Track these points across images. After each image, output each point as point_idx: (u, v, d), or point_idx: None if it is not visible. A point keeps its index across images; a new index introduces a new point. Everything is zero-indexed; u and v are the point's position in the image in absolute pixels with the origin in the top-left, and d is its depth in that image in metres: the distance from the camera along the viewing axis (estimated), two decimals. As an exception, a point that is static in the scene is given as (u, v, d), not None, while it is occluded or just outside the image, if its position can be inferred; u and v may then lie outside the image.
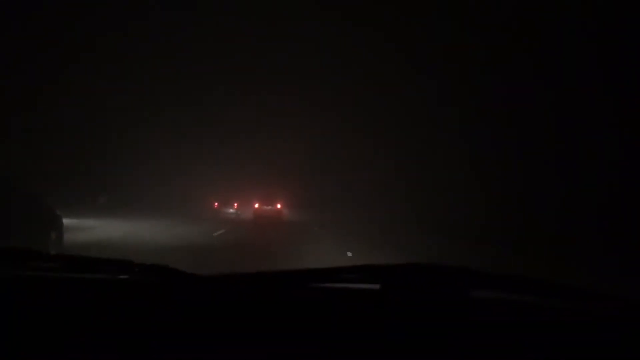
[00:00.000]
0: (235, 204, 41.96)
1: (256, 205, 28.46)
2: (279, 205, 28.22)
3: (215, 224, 21.68)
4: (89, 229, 15.04)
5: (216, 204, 40.09)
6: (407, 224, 18.40)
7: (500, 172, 15.42)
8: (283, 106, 40.67)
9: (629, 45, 11.22)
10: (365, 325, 1.08)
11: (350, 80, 27.81)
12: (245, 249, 11.68)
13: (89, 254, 1.53)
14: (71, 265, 1.41)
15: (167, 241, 12.49)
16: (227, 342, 0.95)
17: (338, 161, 29.84)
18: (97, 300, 1.20)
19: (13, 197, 7.58)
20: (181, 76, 36.65)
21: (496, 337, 1.04)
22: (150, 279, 1.36)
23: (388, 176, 22.95)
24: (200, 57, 35.44)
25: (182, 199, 36.00)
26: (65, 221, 9.46)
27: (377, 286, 1.28)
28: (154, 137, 36.92)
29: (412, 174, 20.91)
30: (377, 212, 20.99)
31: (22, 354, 0.89)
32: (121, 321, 1.04)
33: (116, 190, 27.04)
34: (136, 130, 34.25)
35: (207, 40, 32.81)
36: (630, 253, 8.90)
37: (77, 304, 1.15)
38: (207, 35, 32.16)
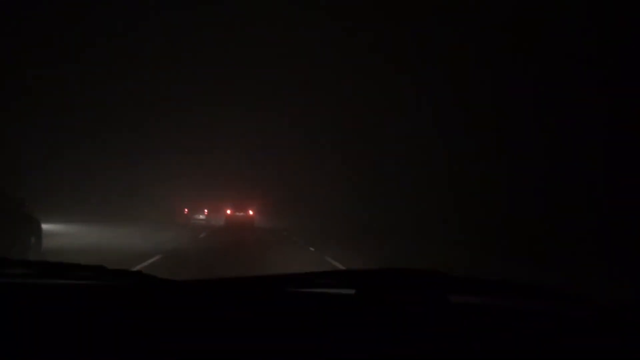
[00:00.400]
0: (206, 211, 41.76)
1: (228, 212, 29.11)
2: (250, 212, 28.96)
3: (165, 237, 16.71)
4: None
5: (186, 210, 40.11)
6: (395, 230, 18.34)
7: (494, 174, 15.65)
8: (261, 112, 40.85)
9: (628, 46, 11.38)
10: (339, 330, 1.08)
11: (328, 86, 28.43)
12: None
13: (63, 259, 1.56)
14: (44, 271, 1.41)
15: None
16: (202, 348, 0.95)
17: (318, 167, 30.43)
18: (71, 305, 1.19)
19: (-3, 202, 7.89)
20: (154, 84, 36.44)
21: (471, 342, 1.04)
22: (123, 284, 1.36)
23: (374, 179, 23.41)
24: (163, 65, 35.28)
25: (146, 205, 34.73)
26: None
27: (352, 291, 1.31)
28: (121, 140, 36.17)
29: (404, 177, 21.29)
30: (366, 218, 21.09)
31: None
32: (95, 326, 1.04)
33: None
34: (101, 133, 33.45)
35: (178, 48, 32.81)
36: (620, 256, 9.26)
37: (50, 309, 1.15)
38: (178, 42, 32.21)
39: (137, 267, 7.79)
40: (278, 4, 26.22)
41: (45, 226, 10.88)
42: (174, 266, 9.15)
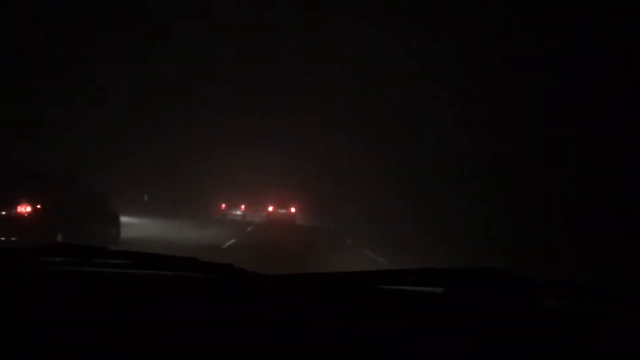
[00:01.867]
0: (243, 206, 41.48)
1: (270, 209, 28.61)
2: (292, 209, 28.67)
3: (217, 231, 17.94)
4: None
5: (224, 205, 40.10)
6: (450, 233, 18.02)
7: (509, 176, 15.60)
8: (301, 112, 40.80)
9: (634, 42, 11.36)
10: (427, 328, 1.07)
11: (363, 84, 28.46)
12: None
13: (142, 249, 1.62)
14: (139, 262, 1.46)
15: None
16: (292, 340, 0.97)
17: (360, 166, 30.36)
18: (164, 295, 1.22)
19: (86, 196, 8.28)
20: (192, 80, 36.57)
21: (561, 349, 1.01)
22: (215, 276, 1.39)
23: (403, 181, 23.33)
24: (212, 62, 35.38)
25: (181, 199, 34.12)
26: None
27: (440, 290, 1.30)
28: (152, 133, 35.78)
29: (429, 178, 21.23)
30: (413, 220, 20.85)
31: (93, 348, 0.90)
32: (187, 317, 1.06)
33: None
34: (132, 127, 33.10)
35: (216, 46, 32.77)
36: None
37: (144, 299, 1.18)
38: (217, 40, 32.24)
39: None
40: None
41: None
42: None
